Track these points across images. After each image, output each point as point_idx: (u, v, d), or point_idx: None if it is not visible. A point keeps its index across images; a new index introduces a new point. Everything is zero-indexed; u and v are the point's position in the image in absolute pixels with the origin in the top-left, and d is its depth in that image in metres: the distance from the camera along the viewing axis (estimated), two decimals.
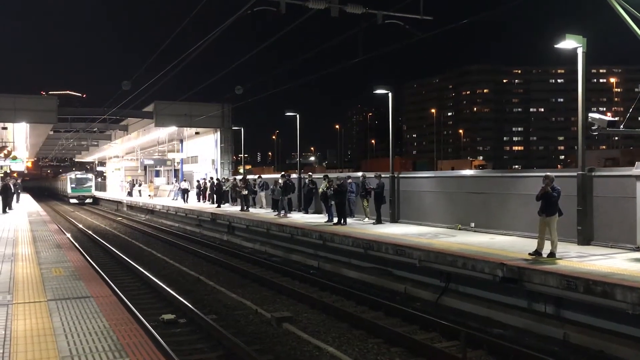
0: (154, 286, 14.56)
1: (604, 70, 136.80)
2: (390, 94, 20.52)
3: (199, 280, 15.63)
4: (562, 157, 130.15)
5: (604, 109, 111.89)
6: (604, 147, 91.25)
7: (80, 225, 33.58)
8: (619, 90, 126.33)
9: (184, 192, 38.12)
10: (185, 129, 44.19)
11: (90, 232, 29.38)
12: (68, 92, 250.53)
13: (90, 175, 66.90)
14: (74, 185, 63.02)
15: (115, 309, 7.61)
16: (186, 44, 16.59)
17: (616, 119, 12.97)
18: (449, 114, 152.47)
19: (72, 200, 62.61)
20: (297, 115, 28.94)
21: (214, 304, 12.78)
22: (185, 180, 41.41)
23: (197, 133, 45.13)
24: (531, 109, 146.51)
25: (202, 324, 10.70)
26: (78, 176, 65.78)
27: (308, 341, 9.75)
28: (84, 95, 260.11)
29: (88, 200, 62.86)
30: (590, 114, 12.41)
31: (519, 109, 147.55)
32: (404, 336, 9.85)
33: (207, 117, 38.84)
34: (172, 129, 42.48)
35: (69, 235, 24.45)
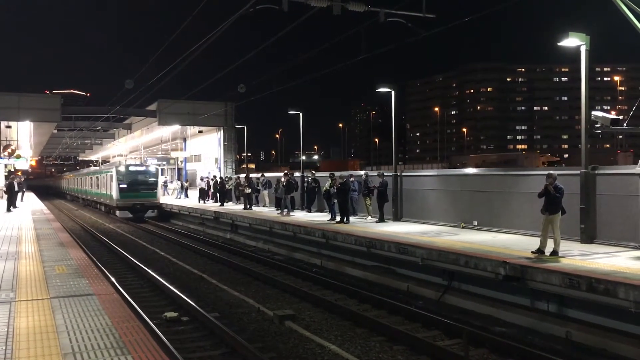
0: (157, 284, 14.59)
1: (608, 69, 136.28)
2: (393, 93, 20.51)
3: (202, 279, 15.65)
4: (566, 155, 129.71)
5: (608, 107, 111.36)
6: (607, 145, 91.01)
7: (84, 224, 33.66)
8: (623, 88, 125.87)
9: (201, 192, 35.72)
10: (188, 127, 44.27)
11: (93, 230, 29.45)
12: (72, 90, 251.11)
13: (153, 168, 38.39)
14: (124, 186, 35.82)
15: (118, 307, 7.63)
16: (189, 43, 16.62)
17: (620, 117, 12.93)
18: (453, 112, 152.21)
19: (120, 213, 36.19)
20: (301, 114, 28.95)
21: (217, 302, 12.81)
22: (202, 179, 37.39)
23: (200, 132, 45.20)
24: (535, 108, 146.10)
25: (205, 322, 10.72)
26: (132, 169, 37.70)
27: (310, 339, 9.76)
28: (88, 94, 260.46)
29: (151, 213, 36.96)
30: (594, 112, 12.39)
31: (523, 108, 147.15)
32: (407, 334, 9.85)
33: (210, 115, 38.87)
34: (176, 127, 42.55)
35: (72, 233, 24.52)
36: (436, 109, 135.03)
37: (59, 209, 51.86)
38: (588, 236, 13.06)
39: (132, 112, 41.92)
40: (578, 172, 13.36)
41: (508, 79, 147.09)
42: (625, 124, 13.02)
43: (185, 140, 49.62)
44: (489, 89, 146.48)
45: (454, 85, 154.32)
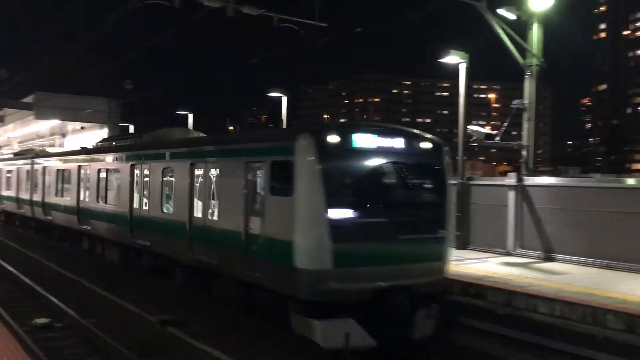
0: (29, 289, 13.65)
1: (485, 86, 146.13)
2: (284, 98, 20.69)
3: (79, 283, 14.84)
4: None
5: (484, 122, 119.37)
6: (482, 157, 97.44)
7: None
8: (497, 105, 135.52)
9: None
10: (69, 123, 41.90)
11: None
12: None
13: (429, 144, 9.51)
14: (352, 214, 8.52)
15: None
16: (77, 35, 15.79)
17: (493, 132, 13.95)
18: (342, 120, 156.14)
19: (323, 329, 8.44)
20: (191, 115, 28.42)
21: (94, 308, 12.19)
22: None
23: (82, 128, 42.93)
24: (418, 120, 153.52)
25: (80, 329, 10.18)
26: (370, 144, 8.91)
27: (194, 345, 9.56)
28: None
29: (422, 324, 8.95)
30: (469, 126, 13.26)
31: (407, 119, 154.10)
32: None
33: (94, 111, 37.05)
34: (55, 122, 40.12)
35: None
36: (326, 116, 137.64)
37: None
38: (462, 242, 13.91)
39: (4, 103, 39.02)
40: (455, 182, 14.17)
41: (394, 91, 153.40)
42: (497, 139, 14.06)
43: (64, 135, 46.81)
44: (376, 100, 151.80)
45: (344, 94, 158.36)
